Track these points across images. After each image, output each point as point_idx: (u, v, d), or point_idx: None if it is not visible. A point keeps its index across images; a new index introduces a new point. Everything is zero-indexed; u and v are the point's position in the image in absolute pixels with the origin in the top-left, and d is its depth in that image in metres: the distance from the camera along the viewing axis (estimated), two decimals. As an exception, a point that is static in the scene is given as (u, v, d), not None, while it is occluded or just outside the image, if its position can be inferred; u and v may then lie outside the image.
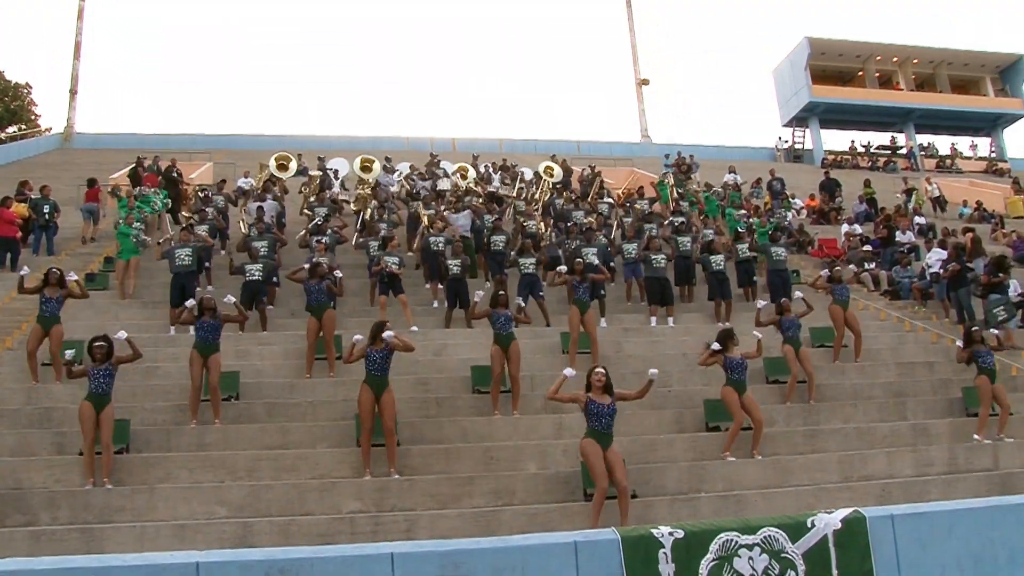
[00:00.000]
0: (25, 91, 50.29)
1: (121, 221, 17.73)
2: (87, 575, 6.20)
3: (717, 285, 16.92)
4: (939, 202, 30.65)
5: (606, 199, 23.94)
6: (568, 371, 10.43)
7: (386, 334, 10.98)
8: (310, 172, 24.99)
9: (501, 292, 13.24)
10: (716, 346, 11.93)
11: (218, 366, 11.88)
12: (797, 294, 14.63)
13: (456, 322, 15.75)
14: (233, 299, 13.04)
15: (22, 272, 13.55)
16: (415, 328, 14.97)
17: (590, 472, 9.90)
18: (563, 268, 15.09)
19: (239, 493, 10.16)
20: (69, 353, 11.08)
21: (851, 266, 18.07)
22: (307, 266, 14.05)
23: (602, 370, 10.14)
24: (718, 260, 17.07)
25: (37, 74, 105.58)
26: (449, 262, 15.92)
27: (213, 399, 11.81)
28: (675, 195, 24.82)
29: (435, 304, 16.82)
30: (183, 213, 20.99)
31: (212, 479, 10.55)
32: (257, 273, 15.10)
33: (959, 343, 13.46)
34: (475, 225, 19.35)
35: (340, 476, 10.74)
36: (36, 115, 50.49)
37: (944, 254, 18.57)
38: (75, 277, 13.59)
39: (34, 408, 11.92)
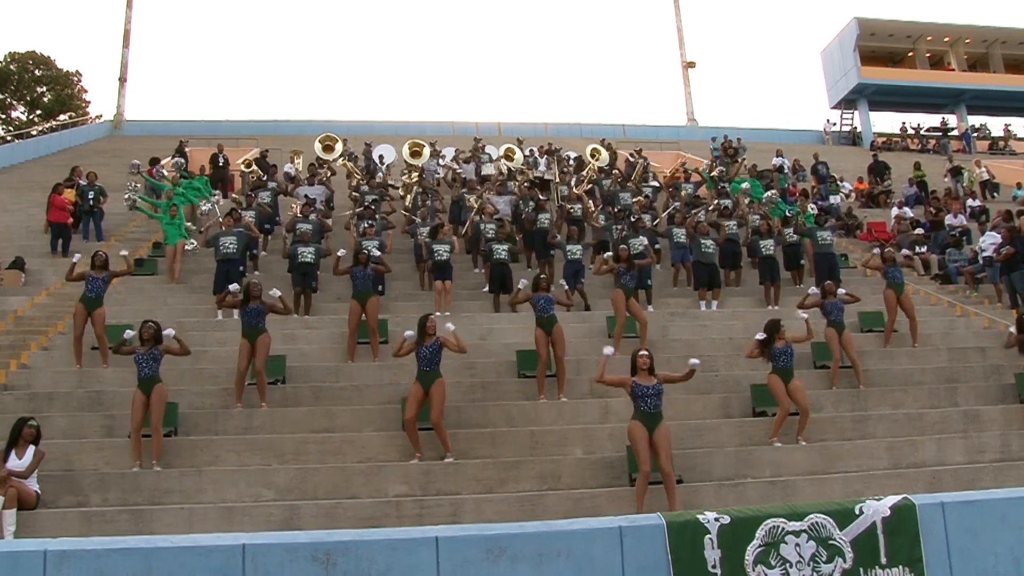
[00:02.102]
0: (75, 79, 51.04)
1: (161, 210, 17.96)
2: (136, 555, 6.26)
3: (767, 270, 16.81)
4: (988, 186, 29.99)
5: (651, 182, 23.76)
6: (607, 349, 10.48)
7: (448, 325, 11.11)
8: (355, 154, 25.12)
9: (543, 275, 13.22)
10: (760, 336, 11.82)
11: (266, 347, 11.96)
12: (840, 291, 14.26)
13: (503, 306, 15.76)
14: (279, 293, 13.02)
15: (74, 259, 13.68)
16: (448, 313, 15.05)
17: (634, 454, 9.89)
18: (609, 255, 14.88)
19: (286, 476, 10.24)
20: (128, 333, 11.20)
21: (904, 251, 17.77)
22: (341, 253, 14.06)
23: (646, 352, 10.16)
24: (767, 245, 16.96)
25: (87, 62, 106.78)
26: (495, 247, 15.91)
27: (259, 382, 11.89)
28: (715, 174, 24.59)
29: (486, 289, 16.85)
30: (233, 195, 21.14)
31: (259, 462, 10.65)
32: (309, 256, 15.19)
33: (1012, 329, 13.18)
34: (517, 210, 19.34)
35: (386, 460, 10.80)
36: (86, 103, 51.28)
37: (998, 237, 18.23)
38: (125, 252, 13.86)
39: (85, 392, 12.10)
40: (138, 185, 18.76)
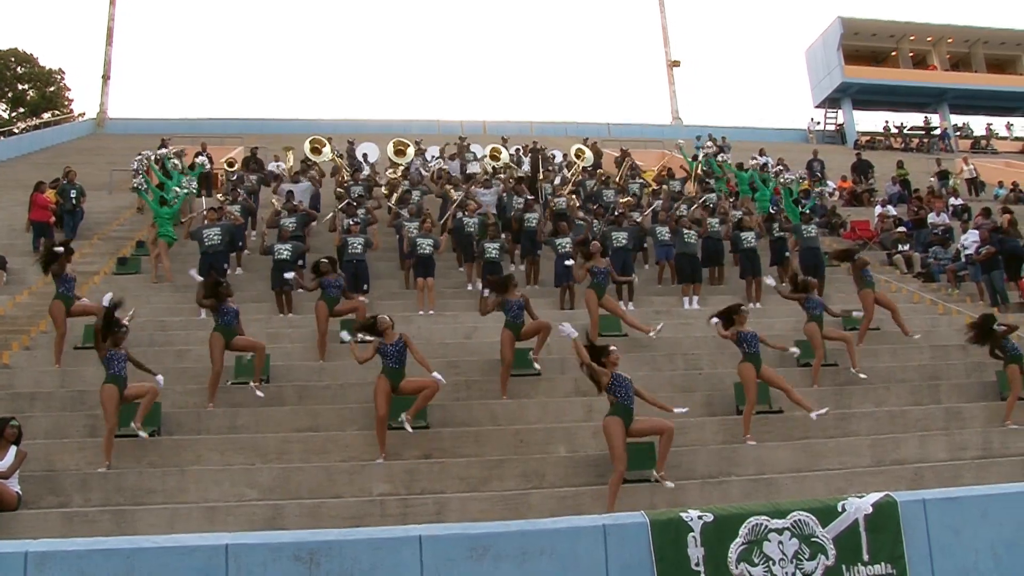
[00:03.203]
0: (58, 77, 50.80)
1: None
2: (119, 556, 6.23)
3: (748, 262, 16.84)
4: (975, 184, 30.17)
5: (638, 179, 23.80)
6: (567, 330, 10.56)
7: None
8: (339, 152, 25.10)
9: (512, 280, 13.07)
10: (714, 321, 11.83)
11: (248, 342, 11.99)
12: (769, 280, 14.15)
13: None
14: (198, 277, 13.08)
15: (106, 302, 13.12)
16: (432, 312, 15.06)
17: (610, 452, 9.77)
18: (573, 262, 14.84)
19: (269, 475, 10.20)
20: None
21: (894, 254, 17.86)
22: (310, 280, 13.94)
23: (615, 348, 10.05)
24: (749, 237, 16.99)
25: (70, 60, 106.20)
26: (487, 245, 15.90)
27: (257, 363, 11.98)
28: (700, 171, 24.66)
29: (469, 287, 16.87)
30: (217, 196, 21.07)
31: (242, 461, 10.61)
32: (285, 253, 15.10)
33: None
34: (501, 202, 19.33)
35: (370, 459, 10.75)
36: (69, 101, 51.02)
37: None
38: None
39: (67, 391, 12.02)
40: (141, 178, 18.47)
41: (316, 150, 23.55)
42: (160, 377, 10.82)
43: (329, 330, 13.42)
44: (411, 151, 24.46)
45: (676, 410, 10.21)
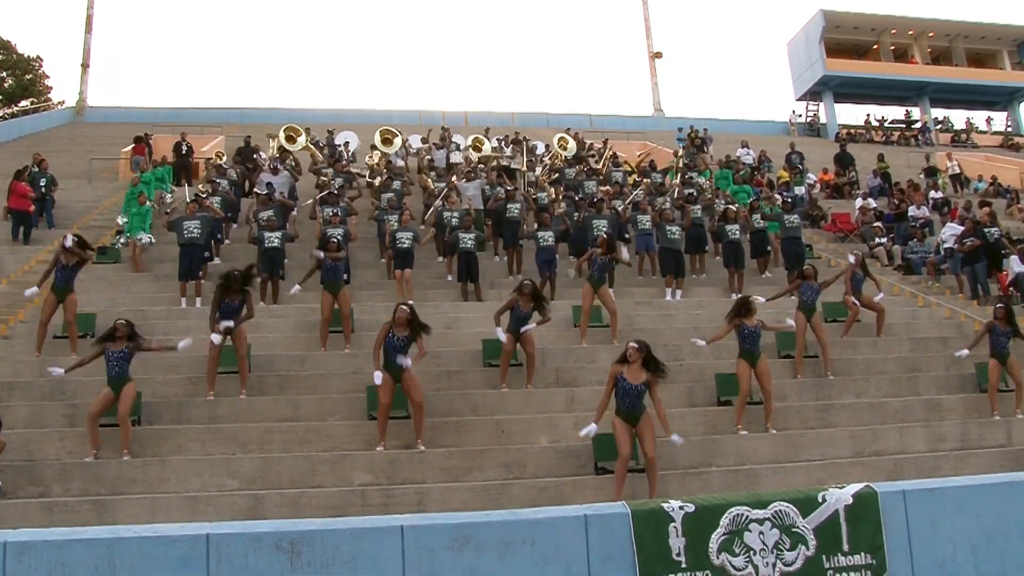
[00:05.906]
0: (37, 65, 50.30)
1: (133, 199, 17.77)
2: (99, 546, 6.18)
3: (731, 254, 16.91)
4: (959, 180, 30.26)
5: (620, 168, 23.81)
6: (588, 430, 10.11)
7: (405, 361, 10.70)
8: (319, 141, 25.00)
9: (526, 281, 12.76)
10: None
11: (243, 336, 11.89)
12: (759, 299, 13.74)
13: (470, 295, 15.85)
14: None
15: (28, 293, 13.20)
16: (411, 302, 15.05)
17: (615, 441, 9.89)
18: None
19: (250, 465, 10.18)
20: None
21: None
22: (319, 254, 13.83)
23: (636, 344, 9.98)
24: (733, 230, 17.06)
25: (49, 47, 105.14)
26: (461, 235, 15.87)
27: (241, 370, 11.85)
28: (680, 165, 24.73)
29: (449, 277, 16.86)
30: (199, 186, 20.94)
31: (223, 451, 10.58)
32: (276, 241, 15.07)
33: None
34: (485, 194, 19.31)
35: (351, 448, 10.76)
36: (48, 89, 50.54)
37: (959, 229, 18.48)
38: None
39: (47, 380, 11.90)
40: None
41: (291, 139, 23.40)
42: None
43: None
44: (398, 141, 24.37)
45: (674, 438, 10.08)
